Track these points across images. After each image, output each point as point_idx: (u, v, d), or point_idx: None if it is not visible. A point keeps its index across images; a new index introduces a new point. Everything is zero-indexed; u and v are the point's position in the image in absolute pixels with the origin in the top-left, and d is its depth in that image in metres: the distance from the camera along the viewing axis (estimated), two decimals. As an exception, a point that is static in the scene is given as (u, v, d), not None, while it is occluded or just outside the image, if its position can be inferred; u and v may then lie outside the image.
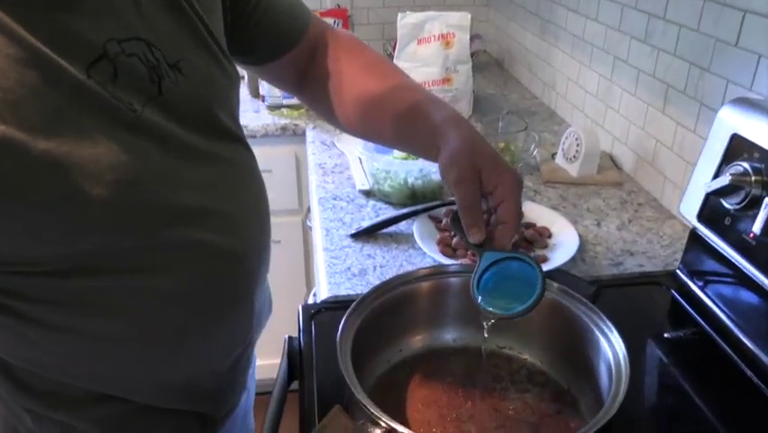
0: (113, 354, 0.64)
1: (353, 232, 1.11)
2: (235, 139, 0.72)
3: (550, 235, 1.08)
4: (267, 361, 1.78)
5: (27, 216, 0.52)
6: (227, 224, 0.67)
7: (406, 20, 1.31)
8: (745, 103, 0.87)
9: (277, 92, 1.67)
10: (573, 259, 1.01)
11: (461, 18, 1.32)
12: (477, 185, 0.67)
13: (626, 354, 0.64)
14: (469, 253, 1.01)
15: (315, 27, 0.88)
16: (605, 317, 0.70)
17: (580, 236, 1.06)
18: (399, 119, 0.79)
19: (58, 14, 0.52)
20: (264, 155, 1.69)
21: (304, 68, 0.89)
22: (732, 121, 0.86)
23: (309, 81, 0.90)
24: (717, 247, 0.87)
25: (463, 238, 0.70)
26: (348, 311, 0.69)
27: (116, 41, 0.56)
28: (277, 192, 1.72)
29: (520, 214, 0.70)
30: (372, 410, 0.57)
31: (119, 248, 0.58)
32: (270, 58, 0.86)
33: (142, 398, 0.69)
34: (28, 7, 0.50)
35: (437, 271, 0.80)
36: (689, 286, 0.95)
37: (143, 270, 0.60)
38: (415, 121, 0.78)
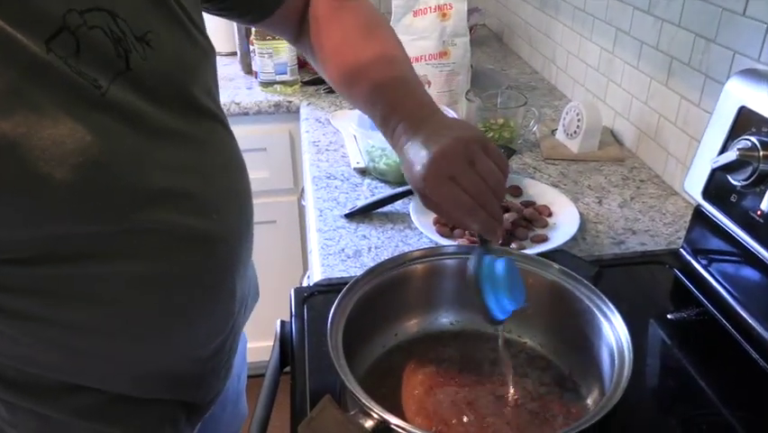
0: (84, 343, 0.62)
1: (348, 212, 1.08)
2: (211, 117, 0.68)
3: (550, 214, 1.05)
4: (262, 343, 1.76)
5: None
6: (202, 206, 0.64)
7: (400, -9, 1.27)
8: (753, 74, 0.84)
9: (270, 68, 1.62)
10: (574, 238, 0.98)
11: (458, -11, 1.28)
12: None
13: (629, 338, 0.62)
14: (467, 233, 0.98)
15: None
16: (607, 300, 0.67)
17: (581, 214, 1.03)
18: (380, 89, 0.77)
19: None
20: (258, 133, 1.67)
21: (299, 19, 0.86)
22: (739, 93, 0.83)
23: (304, 33, 0.87)
24: (722, 225, 0.84)
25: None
26: (339, 296, 0.67)
27: (77, 11, 0.52)
28: (271, 171, 1.69)
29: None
30: (364, 401, 0.55)
31: (86, 233, 0.55)
32: (261, 17, 0.83)
33: (119, 388, 0.67)
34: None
35: (432, 253, 0.77)
36: (692, 265, 0.92)
37: (113, 256, 0.57)
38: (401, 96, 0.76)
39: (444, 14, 1.26)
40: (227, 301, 0.72)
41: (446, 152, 0.66)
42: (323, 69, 0.86)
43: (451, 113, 1.23)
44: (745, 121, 0.81)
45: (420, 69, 1.29)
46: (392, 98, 0.76)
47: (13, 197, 0.50)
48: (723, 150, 0.83)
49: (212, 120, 0.69)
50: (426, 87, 1.29)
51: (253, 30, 1.64)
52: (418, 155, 0.68)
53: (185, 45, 0.63)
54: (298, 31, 0.87)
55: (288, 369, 0.82)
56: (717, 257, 0.89)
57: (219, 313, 0.72)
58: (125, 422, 0.69)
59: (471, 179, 0.65)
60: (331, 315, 0.64)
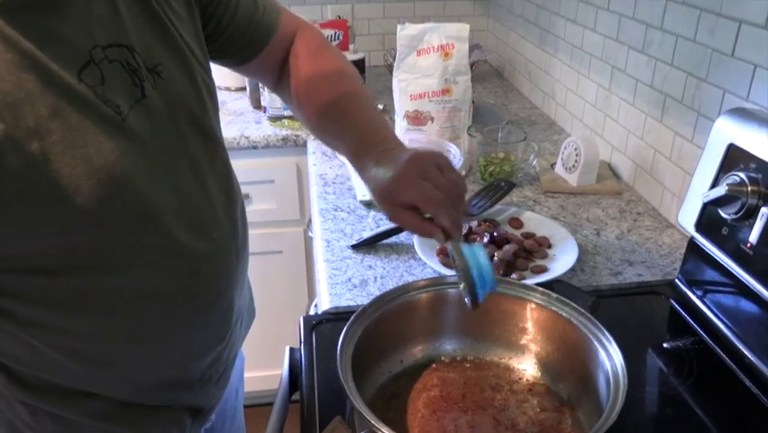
0: (95, 351, 0.67)
1: (354, 243, 1.11)
2: (215, 141, 0.75)
3: (549, 245, 1.09)
4: (269, 372, 1.79)
5: (20, 212, 0.54)
6: (205, 225, 0.70)
7: (405, 31, 1.32)
8: (741, 113, 0.88)
9: (278, 103, 1.68)
10: (573, 269, 1.01)
11: (459, 29, 1.33)
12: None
13: (623, 364, 0.65)
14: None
15: (286, 24, 0.91)
16: (603, 329, 0.71)
17: (579, 246, 1.07)
18: (351, 128, 0.84)
19: (48, 20, 0.55)
20: (266, 166, 1.72)
21: (280, 64, 0.92)
22: (728, 131, 0.87)
23: (282, 80, 0.93)
24: (714, 257, 0.88)
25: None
26: (348, 322, 0.70)
27: (100, 47, 0.59)
28: (278, 202, 1.74)
29: None
30: (372, 421, 0.58)
31: (103, 245, 0.60)
32: (248, 57, 0.88)
33: (126, 395, 0.71)
34: (20, 12, 0.53)
35: (436, 282, 0.81)
36: (687, 296, 0.95)
37: (125, 268, 0.63)
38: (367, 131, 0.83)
39: (447, 54, 1.31)
40: (225, 313, 0.77)
41: (418, 156, 0.73)
42: (298, 111, 0.92)
43: (453, 148, 1.27)
44: (733, 157, 0.85)
45: (423, 105, 1.34)
46: (362, 135, 0.82)
47: (47, 206, 0.55)
48: (714, 185, 0.87)
49: (215, 144, 0.75)
50: (429, 122, 1.34)
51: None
52: (391, 164, 0.73)
53: (189, 76, 0.70)
54: (279, 75, 0.94)
55: (295, 396, 0.85)
56: (710, 287, 0.92)
57: (218, 323, 0.77)
58: (137, 424, 0.74)
59: (441, 179, 0.71)
60: (340, 341, 0.67)
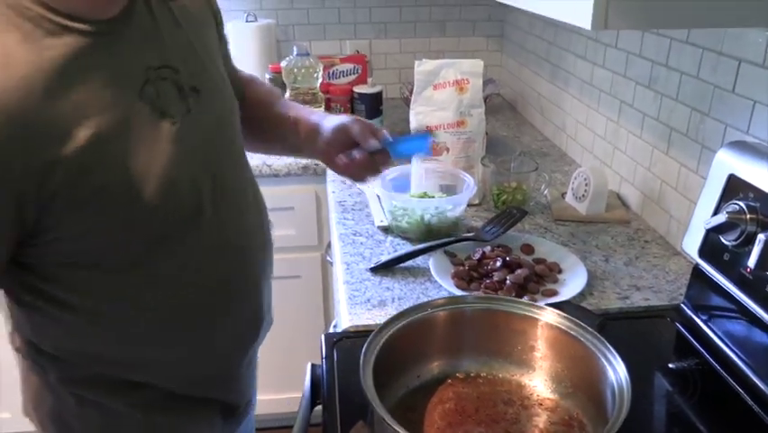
0: (142, 337, 0.77)
1: (373, 266, 1.17)
2: (242, 153, 0.89)
3: (560, 270, 1.14)
4: (285, 394, 1.83)
5: (95, 210, 0.66)
6: (239, 224, 0.85)
7: (422, 67, 1.39)
8: (741, 146, 0.94)
9: (299, 133, 1.75)
10: (582, 293, 1.06)
11: (474, 65, 1.40)
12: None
13: (627, 375, 0.69)
14: (483, 286, 1.07)
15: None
16: (609, 346, 0.75)
17: (588, 271, 1.11)
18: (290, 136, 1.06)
19: (117, 46, 0.69)
20: (286, 193, 1.79)
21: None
22: (729, 162, 0.92)
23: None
24: (717, 281, 0.92)
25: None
26: (371, 335, 0.75)
27: (153, 68, 0.72)
28: (297, 229, 1.80)
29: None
30: (395, 426, 0.63)
31: (160, 238, 0.72)
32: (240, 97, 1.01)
33: (171, 384, 0.81)
34: (99, 37, 0.67)
35: (453, 301, 0.86)
36: (693, 319, 0.99)
37: (177, 260, 0.76)
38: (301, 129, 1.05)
39: (462, 88, 1.38)
40: (257, 303, 0.91)
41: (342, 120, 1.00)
42: (251, 129, 1.03)
43: (467, 177, 1.33)
44: (733, 187, 0.90)
45: (439, 136, 1.40)
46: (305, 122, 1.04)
47: (119, 205, 0.66)
48: (715, 213, 0.92)
49: (243, 156, 0.89)
50: (445, 153, 1.40)
51: (285, 95, 1.78)
52: (339, 118, 1.01)
53: (222, 98, 0.85)
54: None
55: (315, 416, 0.90)
56: (714, 311, 0.96)
57: (251, 313, 0.91)
58: (175, 416, 0.84)
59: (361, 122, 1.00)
60: (363, 351, 0.72)
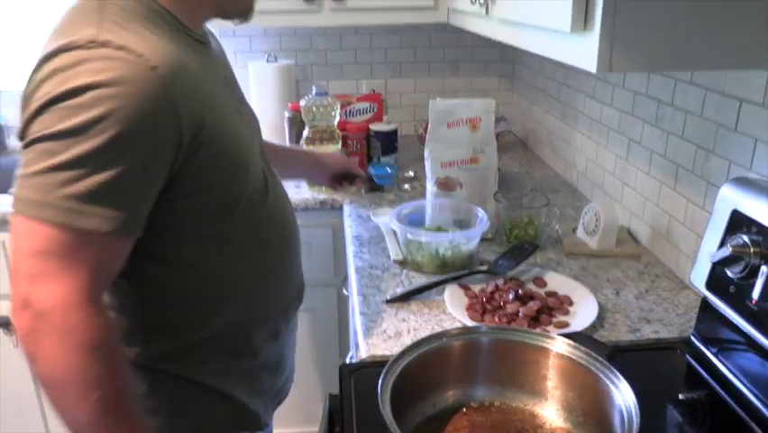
0: (250, 273, 1.01)
1: (389, 298, 1.20)
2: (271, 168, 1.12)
3: (571, 303, 1.17)
4: (300, 428, 1.85)
5: (220, 162, 0.89)
6: (286, 203, 1.13)
7: (437, 106, 1.45)
8: (743, 182, 0.97)
9: (316, 170, 1.81)
10: (593, 325, 1.09)
11: (486, 104, 1.45)
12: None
13: (635, 400, 0.72)
14: (496, 318, 1.10)
15: None
16: (616, 372, 0.78)
17: (599, 304, 1.14)
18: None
19: (209, 56, 0.97)
20: (304, 228, 1.82)
21: None
22: (732, 198, 0.96)
23: None
24: (725, 314, 0.95)
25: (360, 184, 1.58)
26: (389, 363, 0.79)
27: (223, 76, 1.01)
28: (313, 263, 1.84)
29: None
30: (411, 448, 0.66)
31: (251, 193, 0.97)
32: None
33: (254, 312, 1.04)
34: (199, 45, 0.94)
35: (468, 331, 0.89)
36: (702, 351, 1.02)
37: (263, 211, 1.02)
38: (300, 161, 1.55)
39: (475, 126, 1.43)
40: (298, 276, 1.17)
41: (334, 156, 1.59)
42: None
43: (480, 211, 1.37)
44: (737, 222, 0.93)
45: (453, 172, 1.45)
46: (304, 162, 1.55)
47: (231, 159, 0.91)
48: (721, 247, 0.95)
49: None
50: (459, 188, 1.45)
51: (304, 133, 1.85)
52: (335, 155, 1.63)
53: (253, 119, 1.11)
54: None
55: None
56: (723, 343, 0.98)
57: (298, 280, 1.17)
58: (236, 385, 1.03)
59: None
60: (381, 378, 0.76)
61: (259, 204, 1.00)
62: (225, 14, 0.99)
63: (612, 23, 0.85)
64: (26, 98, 0.76)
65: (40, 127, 0.74)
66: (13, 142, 2.34)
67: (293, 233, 1.13)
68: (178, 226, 0.89)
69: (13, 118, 2.32)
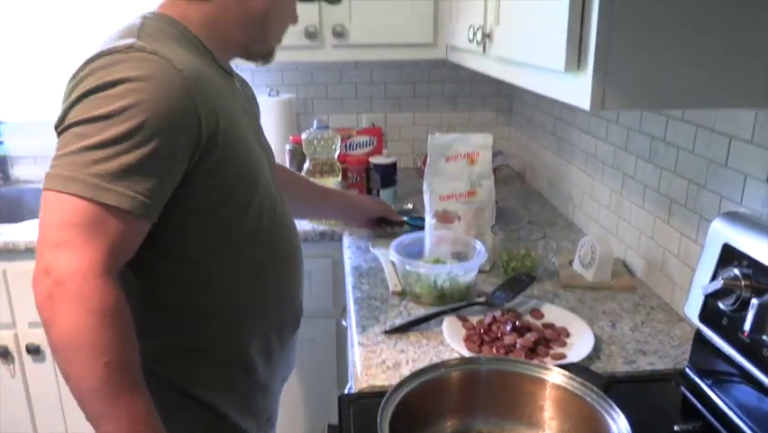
0: (248, 282, 1.08)
1: (387, 329, 1.22)
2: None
3: (568, 335, 1.18)
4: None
5: (228, 166, 0.98)
6: (292, 225, 1.20)
7: (435, 141, 1.49)
8: (734, 216, 1.00)
9: (317, 202, 1.83)
10: (590, 357, 1.10)
11: (484, 139, 1.49)
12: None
13: (630, 431, 0.73)
14: (494, 349, 1.11)
15: None
16: (611, 401, 0.79)
17: (595, 336, 1.16)
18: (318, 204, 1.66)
19: (233, 83, 1.10)
20: (303, 258, 1.85)
21: None
22: (723, 232, 0.98)
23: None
24: (718, 346, 0.96)
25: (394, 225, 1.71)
26: (388, 393, 0.80)
27: (243, 108, 1.09)
28: (314, 294, 1.86)
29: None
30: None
31: (258, 202, 1.06)
32: None
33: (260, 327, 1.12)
34: (225, 74, 1.07)
35: (466, 362, 0.91)
36: (697, 383, 1.03)
37: (267, 225, 1.09)
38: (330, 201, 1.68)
39: (472, 160, 1.47)
40: (301, 296, 1.24)
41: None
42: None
43: (478, 244, 1.40)
44: (728, 255, 0.96)
45: (451, 205, 1.48)
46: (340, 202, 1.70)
47: (238, 167, 1.00)
48: (713, 280, 0.97)
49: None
50: (457, 221, 1.47)
51: (305, 166, 1.88)
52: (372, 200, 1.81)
53: (269, 147, 1.21)
54: None
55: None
56: (717, 374, 1.00)
57: (299, 301, 1.24)
58: (229, 402, 1.10)
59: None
60: (380, 408, 0.77)
61: (266, 220, 1.08)
62: (249, 56, 1.12)
63: (604, 63, 0.89)
64: (68, 92, 0.87)
65: (76, 114, 0.84)
66: (17, 172, 2.37)
67: (296, 258, 1.19)
68: (186, 224, 0.97)
69: (17, 149, 2.35)
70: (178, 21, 0.99)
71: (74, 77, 0.88)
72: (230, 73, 1.10)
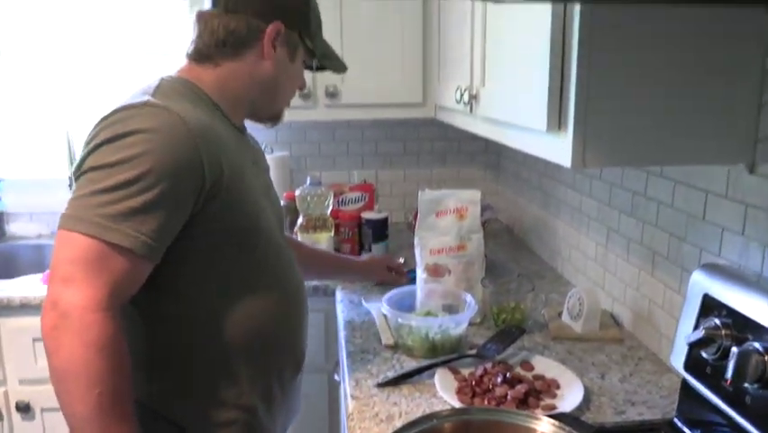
0: (259, 320, 1.12)
1: (380, 382, 1.23)
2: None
3: (558, 386, 1.20)
4: None
5: (234, 210, 1.04)
6: (300, 282, 1.24)
7: (425, 196, 1.54)
8: (713, 268, 1.04)
9: (310, 256, 1.87)
10: (580, 408, 1.12)
11: (473, 195, 1.54)
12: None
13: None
14: (486, 401, 1.13)
15: None
16: (601, 451, 0.81)
17: (585, 388, 1.18)
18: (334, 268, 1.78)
19: (243, 139, 1.17)
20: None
21: None
22: (703, 283, 1.02)
23: None
24: (703, 394, 0.99)
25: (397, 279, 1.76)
26: (381, 443, 0.81)
27: (251, 161, 1.15)
28: (307, 349, 1.86)
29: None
30: None
31: (262, 244, 1.11)
32: None
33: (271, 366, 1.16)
34: (238, 131, 1.15)
35: (458, 412, 0.92)
36: (684, 432, 1.05)
37: (271, 289, 1.14)
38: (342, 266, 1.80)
39: (462, 215, 1.51)
40: (303, 344, 1.27)
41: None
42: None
43: (468, 297, 1.43)
44: (709, 305, 0.99)
45: (442, 259, 1.51)
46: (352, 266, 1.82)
47: (241, 212, 1.06)
48: (695, 330, 1.00)
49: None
50: (447, 274, 1.51)
51: (298, 221, 1.92)
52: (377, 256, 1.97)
53: (277, 200, 1.27)
54: None
55: None
56: (703, 423, 1.02)
57: (302, 345, 1.26)
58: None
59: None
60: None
61: (268, 267, 1.13)
62: (257, 117, 1.21)
63: (583, 124, 0.95)
64: (86, 142, 0.95)
65: (91, 161, 0.92)
66: (13, 228, 2.40)
67: (299, 305, 1.23)
68: (188, 266, 1.02)
69: (14, 206, 2.38)
70: (192, 82, 1.08)
71: (94, 129, 0.96)
72: (241, 130, 1.17)
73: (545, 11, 0.97)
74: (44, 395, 1.86)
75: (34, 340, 1.84)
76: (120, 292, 0.91)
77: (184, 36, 1.15)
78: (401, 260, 1.92)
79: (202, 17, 1.11)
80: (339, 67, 1.27)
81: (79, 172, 0.94)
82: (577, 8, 0.93)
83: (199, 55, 1.10)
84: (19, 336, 1.85)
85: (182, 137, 0.94)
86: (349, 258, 1.91)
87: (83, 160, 0.94)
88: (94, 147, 0.93)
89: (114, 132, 0.92)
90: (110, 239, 0.89)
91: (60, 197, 2.29)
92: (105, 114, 0.97)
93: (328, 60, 1.25)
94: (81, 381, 0.87)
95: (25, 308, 1.83)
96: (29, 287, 1.89)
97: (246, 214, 1.07)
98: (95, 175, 0.91)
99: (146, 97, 0.98)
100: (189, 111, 0.98)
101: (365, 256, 1.96)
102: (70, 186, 2.27)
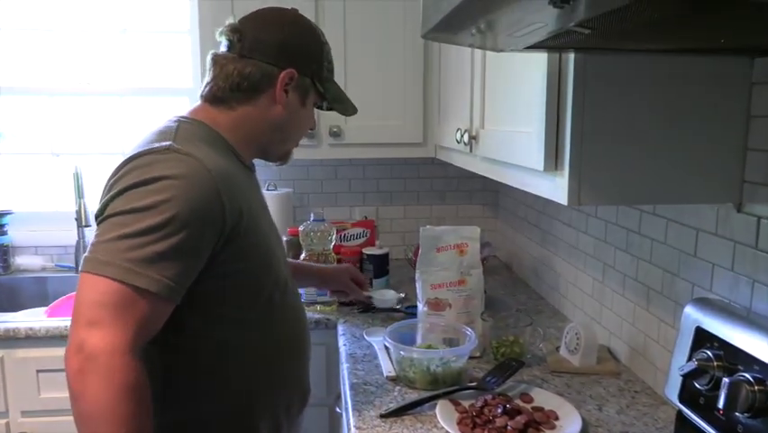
0: (268, 363, 1.17)
1: (383, 413, 1.26)
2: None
3: (557, 418, 1.23)
4: None
5: (249, 252, 1.09)
6: (301, 305, 1.29)
7: (426, 232, 1.59)
8: (704, 302, 1.08)
9: (312, 290, 1.90)
10: (578, 438, 1.15)
11: (472, 231, 1.59)
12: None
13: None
14: (486, 432, 1.16)
15: None
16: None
17: (583, 419, 1.21)
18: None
19: (253, 179, 1.26)
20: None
21: None
22: (695, 316, 1.06)
23: None
24: (698, 425, 1.02)
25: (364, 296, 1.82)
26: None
27: (259, 204, 1.20)
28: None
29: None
30: None
31: (271, 287, 1.15)
32: None
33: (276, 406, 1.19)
34: (250, 174, 1.22)
35: (459, 440, 0.95)
36: (681, 463, 1.08)
37: (280, 323, 1.19)
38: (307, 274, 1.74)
39: (462, 251, 1.56)
40: (307, 378, 1.30)
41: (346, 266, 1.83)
42: None
43: (468, 331, 1.46)
44: (701, 338, 1.03)
45: (442, 293, 1.55)
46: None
47: (256, 254, 1.11)
48: (688, 361, 1.04)
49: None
50: (447, 308, 1.54)
51: (301, 256, 1.96)
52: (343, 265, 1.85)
53: (279, 236, 1.31)
54: None
55: None
56: (699, 454, 1.05)
57: (307, 380, 1.30)
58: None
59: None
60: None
61: (277, 302, 1.17)
62: (267, 157, 1.27)
63: (579, 164, 1.01)
64: (109, 186, 0.99)
65: (117, 205, 0.95)
66: (18, 261, 2.43)
67: (304, 338, 1.27)
68: (205, 304, 1.06)
69: (20, 239, 2.42)
70: (209, 125, 1.13)
71: (115, 173, 0.99)
72: (251, 168, 1.23)
73: (542, 58, 1.04)
74: (46, 427, 1.88)
75: (38, 372, 1.86)
76: (144, 334, 0.94)
77: (191, 75, 1.21)
78: (402, 295, 1.96)
79: (218, 61, 1.16)
80: (350, 110, 1.31)
81: (104, 216, 0.96)
82: (572, 56, 0.99)
83: (214, 98, 1.16)
84: (23, 368, 1.87)
85: (205, 184, 0.98)
86: (312, 264, 1.84)
87: (107, 203, 0.96)
88: (119, 191, 0.95)
89: (140, 176, 0.95)
90: (138, 284, 0.91)
91: (66, 230, 2.36)
92: (128, 156, 1.00)
93: (339, 104, 1.28)
94: (107, 424, 0.88)
95: (30, 339, 1.86)
96: (34, 319, 1.92)
97: (260, 255, 1.12)
98: (121, 219, 0.93)
99: (168, 142, 1.01)
100: (211, 156, 1.03)
101: (331, 266, 1.86)
102: (77, 221, 2.32)
